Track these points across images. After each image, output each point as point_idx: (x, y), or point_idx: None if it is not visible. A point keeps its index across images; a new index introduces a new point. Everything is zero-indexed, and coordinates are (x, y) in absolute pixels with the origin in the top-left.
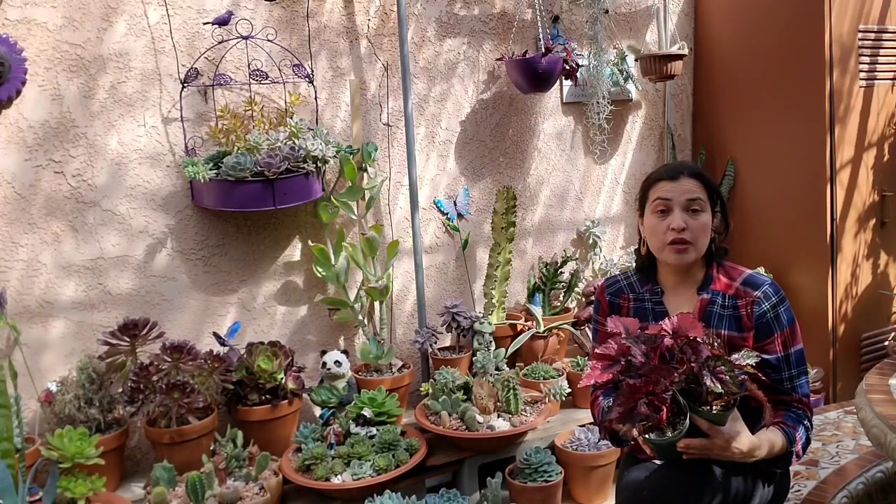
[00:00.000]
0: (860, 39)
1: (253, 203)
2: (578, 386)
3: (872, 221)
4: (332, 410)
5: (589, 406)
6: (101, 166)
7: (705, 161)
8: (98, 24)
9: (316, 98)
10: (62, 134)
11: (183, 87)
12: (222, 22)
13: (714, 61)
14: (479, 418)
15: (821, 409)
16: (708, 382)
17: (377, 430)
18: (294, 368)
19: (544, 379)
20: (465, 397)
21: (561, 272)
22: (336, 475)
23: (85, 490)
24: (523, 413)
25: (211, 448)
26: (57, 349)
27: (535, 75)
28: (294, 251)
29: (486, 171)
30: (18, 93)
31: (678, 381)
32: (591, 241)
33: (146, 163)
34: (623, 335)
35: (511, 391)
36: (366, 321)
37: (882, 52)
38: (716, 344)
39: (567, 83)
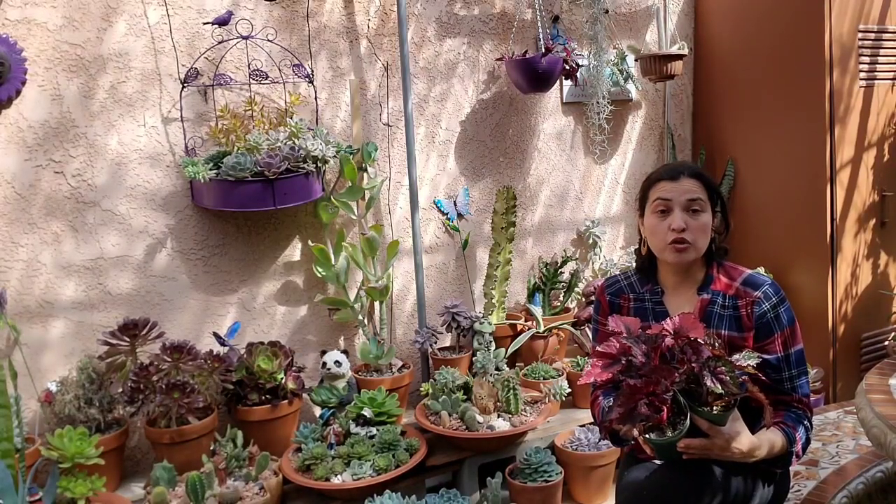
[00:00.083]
0: (860, 39)
1: (253, 203)
2: (578, 383)
3: (872, 221)
4: (332, 410)
5: (589, 406)
6: (101, 166)
7: (705, 161)
8: (98, 24)
9: (316, 98)
10: (62, 134)
11: (183, 87)
12: (222, 22)
13: (714, 61)
14: (479, 418)
15: (821, 409)
16: (708, 383)
17: (377, 430)
18: (294, 368)
19: (544, 379)
20: (465, 397)
21: (561, 272)
22: (336, 475)
23: (85, 490)
24: (523, 413)
25: (211, 448)
26: (57, 349)
27: (535, 75)
28: (294, 251)
29: (486, 171)
30: (18, 93)
31: (679, 381)
32: (591, 241)
33: (146, 163)
34: (624, 334)
35: (511, 391)
36: (366, 321)
37: (882, 52)
38: (716, 344)
39: (567, 83)
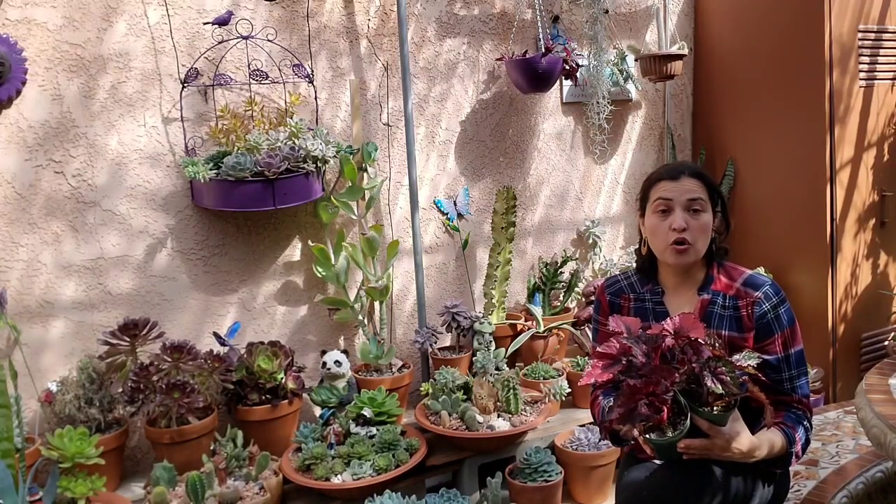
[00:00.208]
0: (860, 39)
1: (253, 203)
2: (579, 384)
3: (872, 221)
4: (332, 410)
5: (589, 406)
6: (101, 166)
7: (705, 161)
8: (98, 24)
9: (316, 98)
10: (62, 134)
11: (183, 87)
12: (222, 22)
13: (714, 61)
14: (479, 418)
15: (821, 409)
16: (709, 383)
17: (377, 429)
18: (294, 368)
19: (544, 379)
20: (465, 397)
21: (561, 272)
22: (336, 475)
23: (85, 490)
24: (523, 413)
25: (211, 448)
26: (57, 349)
27: (535, 75)
28: (294, 251)
29: (486, 171)
30: (18, 93)
31: (679, 381)
32: (591, 241)
33: (146, 163)
34: (624, 335)
35: (511, 391)
36: (366, 321)
37: (882, 52)
38: (717, 345)
39: (567, 83)
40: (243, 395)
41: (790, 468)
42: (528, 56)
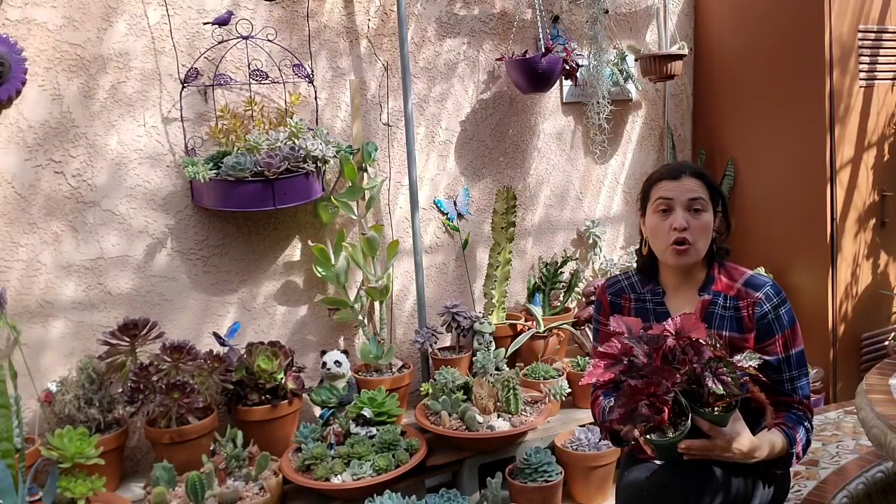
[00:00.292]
0: (860, 39)
1: (253, 203)
2: (580, 384)
3: (872, 221)
4: (332, 410)
5: (589, 406)
6: (101, 166)
7: (705, 161)
8: (98, 24)
9: (316, 98)
10: (62, 134)
11: (183, 87)
12: (222, 22)
13: (714, 61)
14: (479, 418)
15: (821, 409)
16: (710, 384)
17: (377, 430)
18: (294, 368)
19: (544, 379)
20: (465, 397)
21: (561, 272)
22: (336, 475)
23: (85, 490)
24: (523, 413)
25: (211, 448)
26: (57, 349)
27: (535, 75)
28: (294, 251)
29: (486, 171)
30: (18, 93)
31: (680, 382)
32: (591, 241)
33: (146, 163)
34: (626, 335)
35: (511, 391)
36: (366, 321)
37: (882, 52)
38: (718, 345)
39: (567, 83)
40: (243, 396)
41: (790, 468)
42: (528, 56)
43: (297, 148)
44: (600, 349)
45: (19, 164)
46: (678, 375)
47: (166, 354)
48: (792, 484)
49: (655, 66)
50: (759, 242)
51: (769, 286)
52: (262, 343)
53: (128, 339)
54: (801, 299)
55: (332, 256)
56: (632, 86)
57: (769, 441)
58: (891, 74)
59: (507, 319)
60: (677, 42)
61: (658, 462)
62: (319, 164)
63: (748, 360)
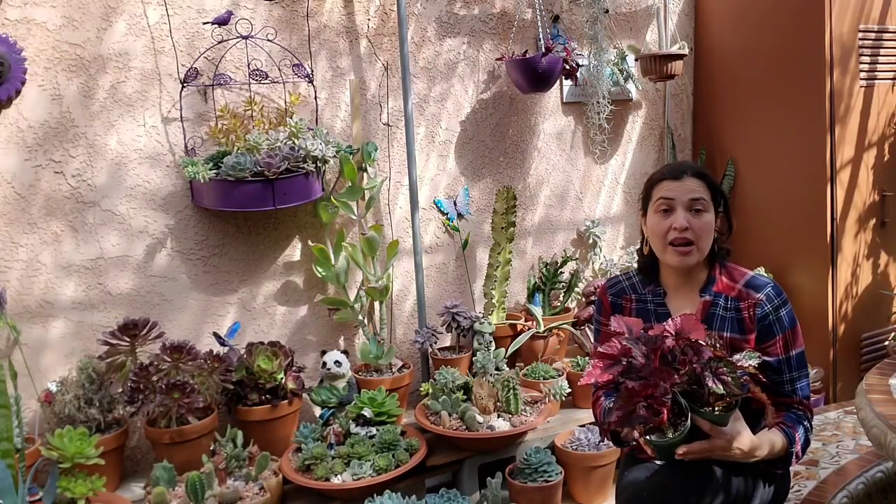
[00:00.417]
0: (860, 39)
1: (253, 203)
2: (579, 384)
3: (872, 221)
4: (332, 410)
5: (590, 406)
6: (100, 166)
7: (705, 161)
8: (98, 24)
9: (316, 98)
10: (62, 134)
11: (183, 86)
12: (222, 22)
13: (714, 61)
14: (479, 418)
15: (821, 409)
16: (710, 384)
17: (377, 430)
18: (294, 368)
19: (544, 379)
20: (465, 397)
21: (561, 272)
22: (336, 475)
23: (85, 490)
24: (523, 413)
25: (211, 448)
26: (57, 349)
27: (535, 75)
28: (294, 251)
29: (486, 171)
30: (18, 93)
31: (679, 382)
32: (591, 241)
33: (146, 163)
34: (626, 335)
35: (511, 391)
36: (366, 321)
37: (882, 52)
38: (717, 345)
39: (567, 83)
40: (243, 395)
41: (790, 468)
42: (528, 56)
43: (297, 148)
44: (599, 350)
45: (19, 164)
46: (677, 376)
47: (166, 354)
48: (792, 484)
49: (655, 65)
50: (759, 242)
51: (770, 287)
52: (262, 343)
53: (128, 339)
54: (801, 299)
55: (332, 256)
56: (632, 86)
57: (769, 440)
58: (891, 74)
59: (507, 319)
60: (677, 42)
61: (658, 462)
62: (319, 164)
63: (748, 360)
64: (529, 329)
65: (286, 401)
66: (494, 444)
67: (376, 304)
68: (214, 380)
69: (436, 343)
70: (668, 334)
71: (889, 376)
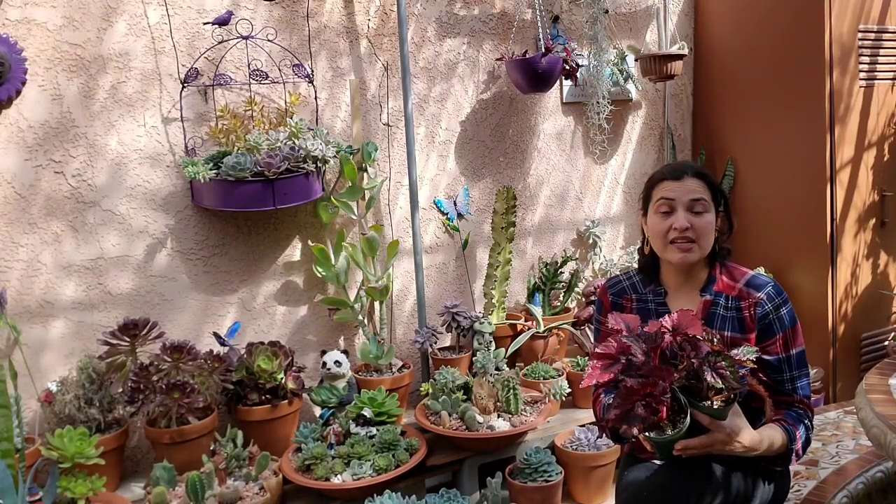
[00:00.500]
0: (860, 39)
1: (253, 203)
2: (580, 387)
3: (872, 221)
4: (332, 410)
5: (591, 406)
6: (101, 166)
7: (705, 161)
8: (98, 24)
9: (316, 98)
10: (62, 134)
11: (183, 87)
12: (222, 22)
13: (714, 61)
14: (479, 418)
15: (821, 409)
16: (709, 378)
17: (377, 430)
18: (294, 368)
19: (544, 379)
20: (465, 397)
21: (561, 272)
22: (336, 475)
23: (85, 490)
24: (523, 413)
25: (211, 448)
26: (57, 349)
27: (535, 75)
28: (294, 251)
29: (486, 171)
30: (18, 93)
31: (678, 378)
32: (591, 241)
33: (146, 163)
34: (624, 332)
35: (511, 391)
36: (366, 321)
37: (882, 52)
38: (715, 340)
39: (567, 83)
40: (243, 395)
41: (790, 468)
42: (528, 56)
43: (297, 148)
44: (597, 350)
45: (19, 164)
46: (676, 373)
47: (166, 354)
48: (792, 484)
49: (655, 66)
50: (759, 242)
51: (771, 286)
52: (262, 343)
53: (128, 339)
54: (801, 299)
55: (332, 256)
56: (632, 86)
57: (769, 436)
58: (891, 74)
59: (507, 319)
60: (677, 42)
61: (658, 462)
62: (319, 164)
63: (745, 354)
64: (529, 329)
65: (286, 401)
66: (494, 444)
67: (376, 304)
68: (214, 380)
69: (436, 343)
70: (666, 330)
71: (889, 376)
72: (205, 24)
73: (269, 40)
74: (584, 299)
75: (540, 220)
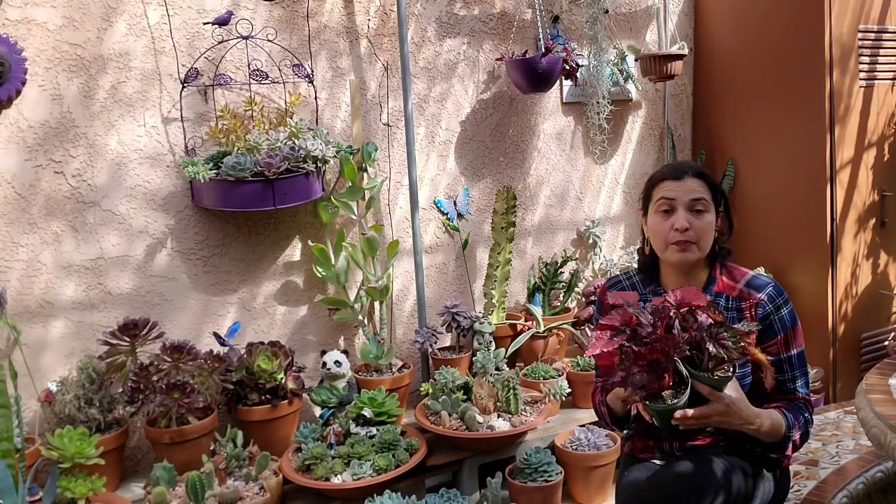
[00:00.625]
0: (860, 39)
1: (253, 203)
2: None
3: (872, 221)
4: (332, 410)
5: (591, 405)
6: (101, 166)
7: (705, 161)
8: (98, 24)
9: (316, 98)
10: (62, 134)
11: (183, 87)
12: (222, 22)
13: (714, 61)
14: (479, 418)
15: (821, 409)
16: (711, 348)
17: (377, 430)
18: (294, 368)
19: (544, 379)
20: (465, 397)
21: (561, 272)
22: (336, 475)
23: (85, 490)
24: (523, 413)
25: (211, 448)
26: (57, 349)
27: (535, 75)
28: (294, 251)
29: (486, 171)
30: (18, 93)
31: (681, 349)
32: (591, 241)
33: (146, 163)
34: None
35: (511, 391)
36: (366, 321)
37: (882, 52)
38: (717, 311)
39: (567, 83)
40: (243, 395)
41: (790, 468)
42: (528, 56)
43: (297, 148)
44: (602, 321)
45: (19, 164)
46: (680, 341)
47: (166, 354)
48: (792, 484)
49: (655, 66)
50: (759, 242)
51: (771, 287)
52: (262, 343)
53: (128, 339)
54: (801, 299)
55: (332, 256)
56: (632, 86)
57: (767, 414)
58: (891, 74)
59: (507, 319)
60: (677, 42)
61: (658, 462)
62: (319, 164)
63: (746, 328)
64: (529, 329)
65: (286, 401)
66: (494, 444)
67: (376, 304)
68: (214, 380)
69: (436, 343)
70: (670, 305)
71: (889, 376)
72: (205, 24)
73: (269, 40)
74: (584, 299)
75: (540, 220)
